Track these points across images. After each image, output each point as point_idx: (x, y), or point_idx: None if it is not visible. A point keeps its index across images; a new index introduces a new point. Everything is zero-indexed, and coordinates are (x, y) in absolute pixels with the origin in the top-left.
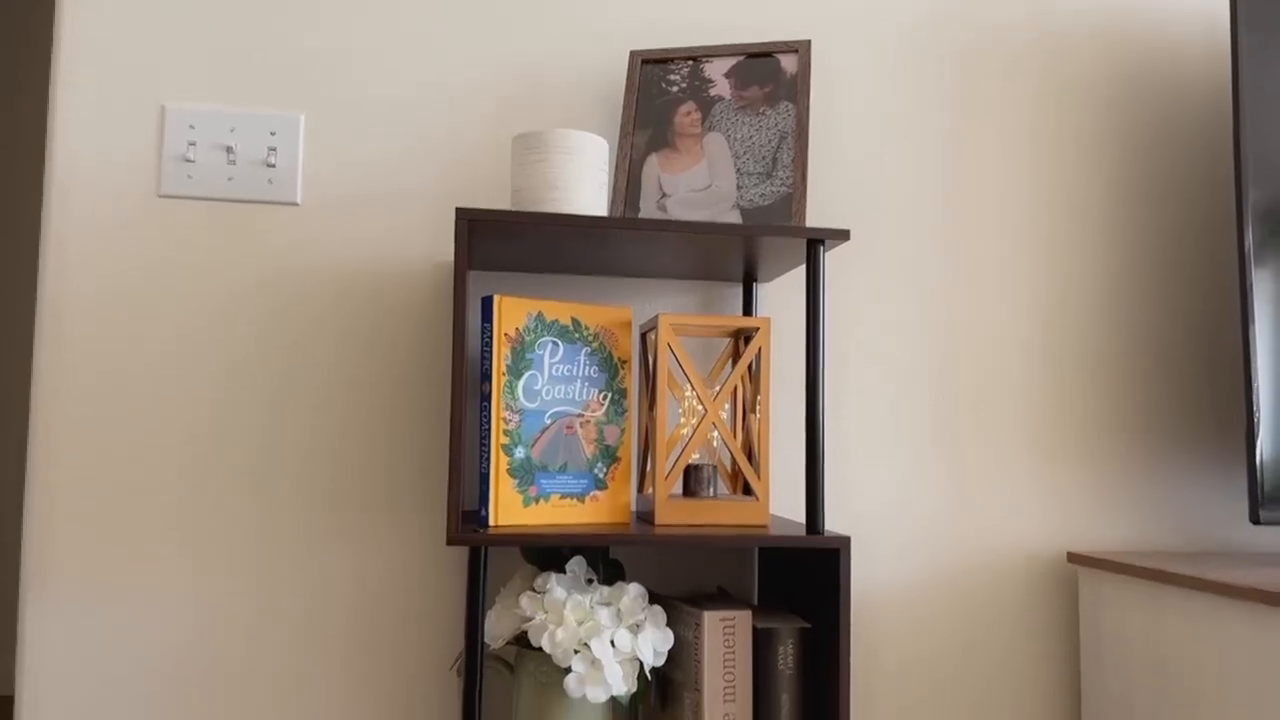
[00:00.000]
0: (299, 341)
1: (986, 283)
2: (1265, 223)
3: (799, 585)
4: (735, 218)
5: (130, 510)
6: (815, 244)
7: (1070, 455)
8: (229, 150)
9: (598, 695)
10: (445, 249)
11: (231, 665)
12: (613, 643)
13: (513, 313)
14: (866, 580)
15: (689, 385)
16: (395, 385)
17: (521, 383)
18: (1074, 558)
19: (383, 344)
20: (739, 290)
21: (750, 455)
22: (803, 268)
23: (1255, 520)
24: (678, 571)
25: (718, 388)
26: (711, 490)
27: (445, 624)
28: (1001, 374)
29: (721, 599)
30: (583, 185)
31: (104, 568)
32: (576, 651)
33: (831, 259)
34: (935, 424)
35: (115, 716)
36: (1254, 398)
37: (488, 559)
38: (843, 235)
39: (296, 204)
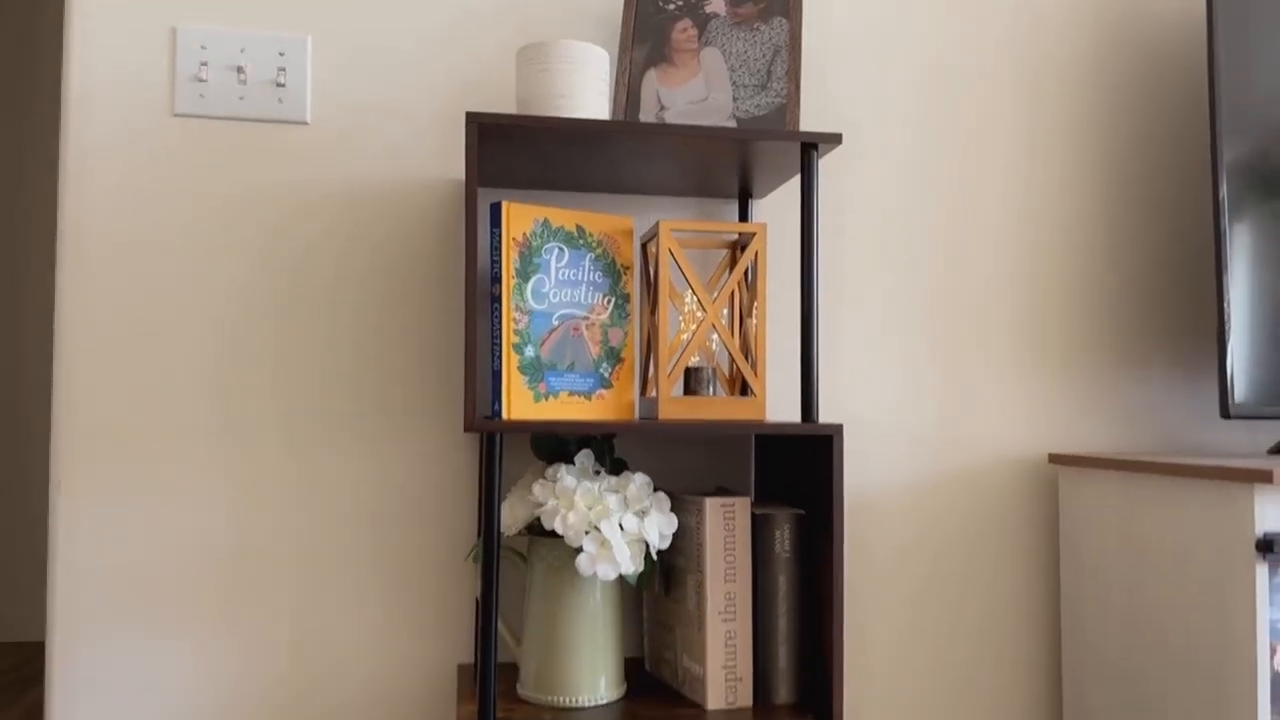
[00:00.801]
0: (313, 254)
1: (975, 204)
2: (1240, 174)
3: (794, 482)
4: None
5: (154, 413)
6: (809, 148)
7: (1053, 364)
8: (240, 71)
9: (607, 573)
10: (452, 167)
11: (254, 559)
12: (621, 525)
13: (520, 218)
14: (859, 480)
15: (689, 292)
16: (408, 296)
17: (530, 285)
18: (1055, 458)
19: (395, 257)
20: (734, 206)
21: (747, 357)
22: (796, 181)
23: (1225, 415)
24: (678, 471)
25: (716, 293)
26: (711, 391)
27: (459, 519)
28: (989, 287)
29: (720, 494)
30: (587, 94)
31: (130, 465)
32: (587, 533)
33: (824, 174)
34: (926, 335)
35: (145, 608)
36: (1224, 305)
37: (503, 452)
38: (835, 139)
39: (306, 123)
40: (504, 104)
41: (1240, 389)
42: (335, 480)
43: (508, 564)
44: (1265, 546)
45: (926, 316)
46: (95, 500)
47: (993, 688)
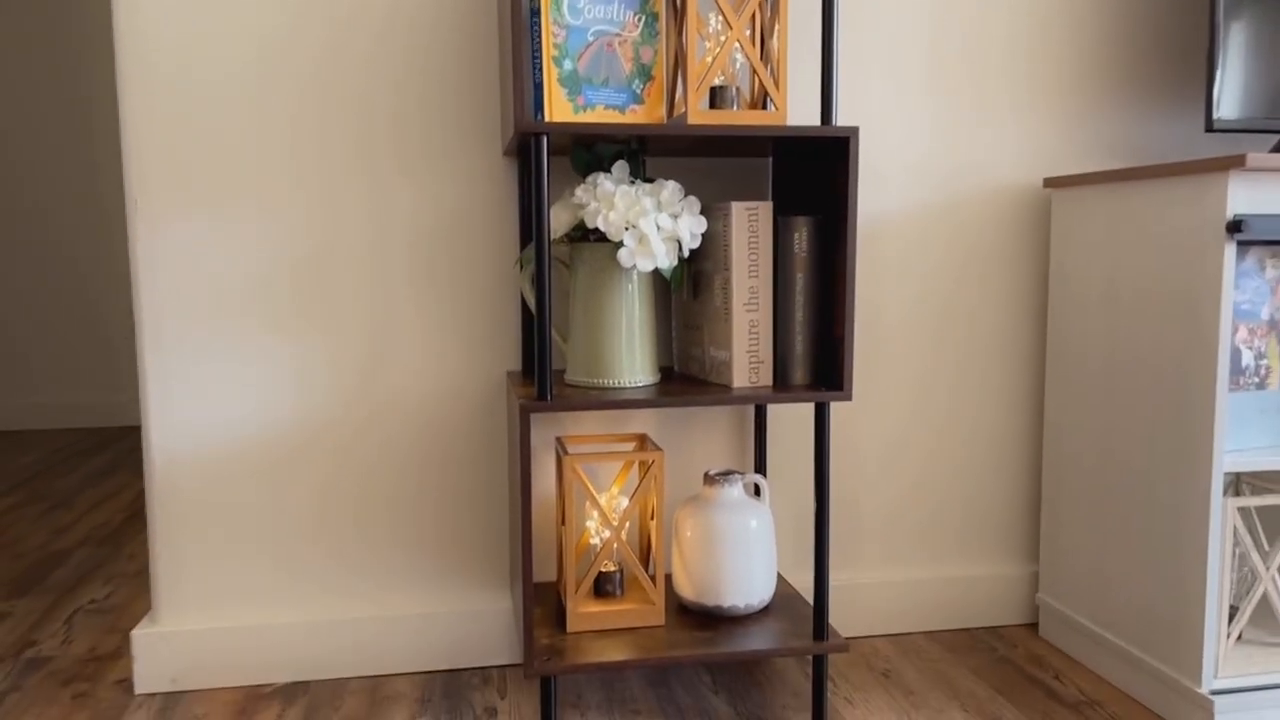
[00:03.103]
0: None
1: None
2: None
3: (810, 195)
4: None
5: (222, 142)
6: None
7: (1049, 96)
8: None
9: (645, 265)
10: None
11: (322, 276)
12: (656, 225)
13: None
14: (871, 201)
15: (713, 15)
16: (451, 33)
17: (565, 0)
18: (1049, 182)
19: None
20: None
21: (769, 72)
22: None
23: (1209, 129)
24: (702, 190)
25: (740, 13)
26: (735, 107)
27: (503, 241)
28: (992, 30)
29: None
30: None
31: (201, 193)
32: (627, 229)
33: None
34: (934, 71)
35: (223, 328)
36: (1216, 23)
37: (550, 162)
38: None
39: None
40: None
41: (1226, 104)
42: (392, 205)
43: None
44: (1234, 227)
45: (934, 54)
46: (170, 221)
47: (985, 375)
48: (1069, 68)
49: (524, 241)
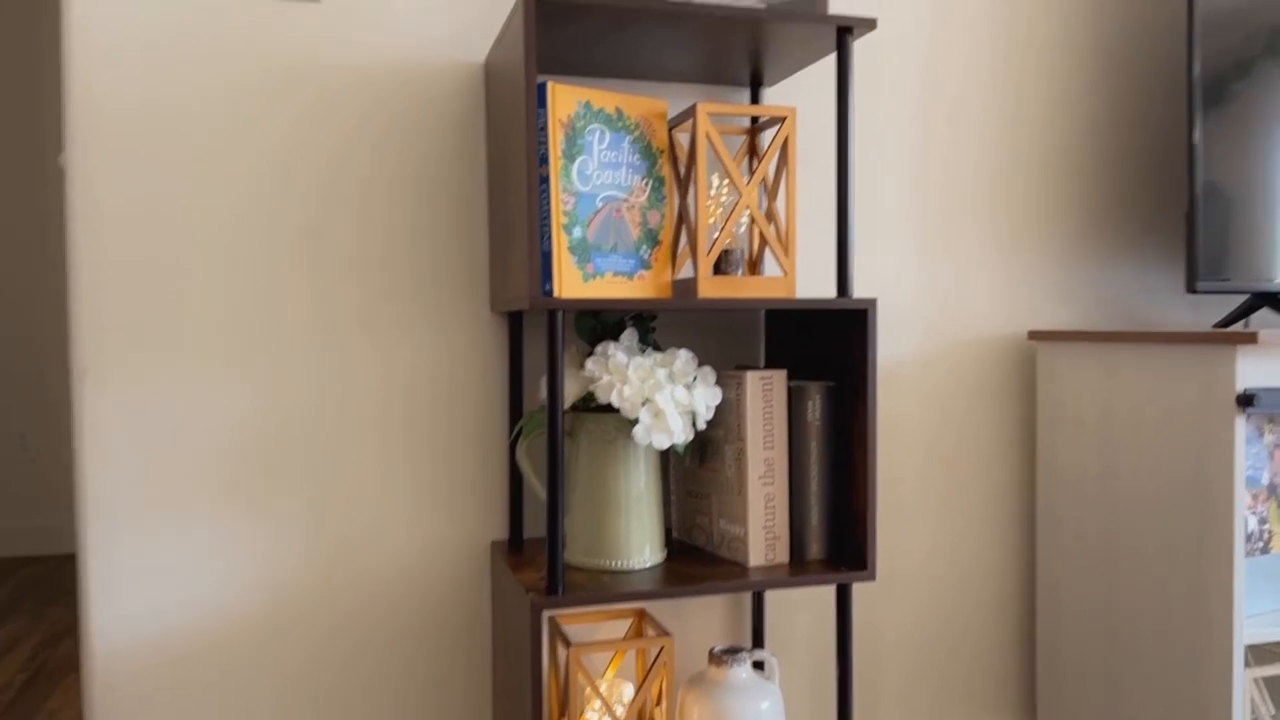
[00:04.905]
0: (330, 136)
1: (965, 110)
2: (1211, 68)
3: (814, 359)
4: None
5: (180, 302)
6: (845, 32)
7: (1032, 251)
8: None
9: (662, 442)
10: (469, 50)
11: (286, 444)
12: (673, 398)
13: (564, 100)
14: None
15: (718, 175)
16: (432, 180)
17: (575, 166)
18: (1034, 335)
19: (417, 141)
20: (746, 93)
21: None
22: (802, 74)
23: (1191, 289)
24: (705, 353)
25: (748, 177)
26: (741, 272)
27: (488, 401)
28: (972, 180)
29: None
30: None
31: (157, 352)
32: (643, 404)
33: (825, 76)
34: (919, 226)
35: (177, 494)
36: (1195, 189)
37: (564, 328)
38: (870, 24)
39: (317, 0)
40: None
41: (1205, 268)
42: (364, 364)
43: (544, 440)
44: (1245, 401)
45: (919, 209)
46: (123, 389)
47: (979, 527)
48: (1045, 232)
49: (513, 403)
